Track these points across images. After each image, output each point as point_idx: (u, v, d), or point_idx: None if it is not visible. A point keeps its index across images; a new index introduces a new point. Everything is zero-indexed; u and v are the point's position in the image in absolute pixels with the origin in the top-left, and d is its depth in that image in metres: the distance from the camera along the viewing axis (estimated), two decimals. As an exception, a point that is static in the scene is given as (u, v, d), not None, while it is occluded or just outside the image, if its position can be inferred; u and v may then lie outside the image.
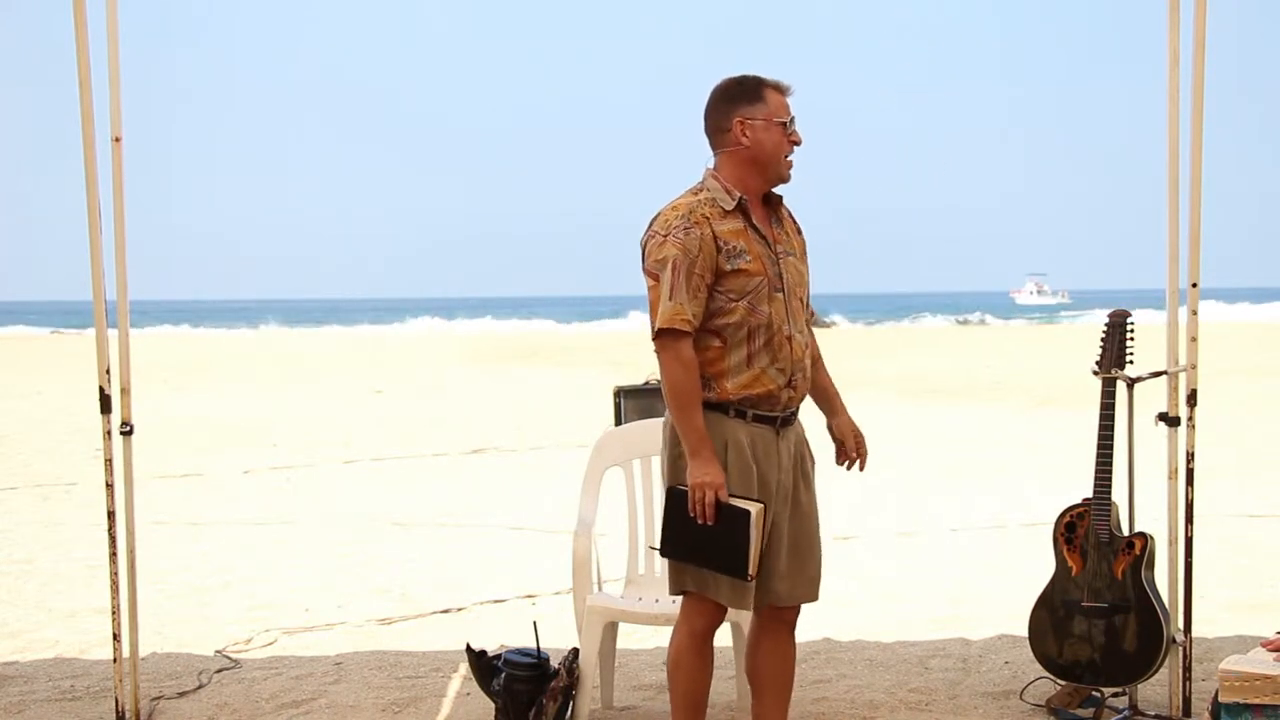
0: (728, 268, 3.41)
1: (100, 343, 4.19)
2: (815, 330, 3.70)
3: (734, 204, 3.46)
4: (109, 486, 4.26)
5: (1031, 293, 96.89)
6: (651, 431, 4.63)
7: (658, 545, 3.50)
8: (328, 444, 13.21)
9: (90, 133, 4.07)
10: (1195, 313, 4.19)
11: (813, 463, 3.62)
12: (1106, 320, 4.33)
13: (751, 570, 3.36)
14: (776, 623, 3.62)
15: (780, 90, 3.52)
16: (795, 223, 3.64)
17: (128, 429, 4.27)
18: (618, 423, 5.99)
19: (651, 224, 3.48)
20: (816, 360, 3.66)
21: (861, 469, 3.73)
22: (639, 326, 53.88)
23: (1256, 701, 3.57)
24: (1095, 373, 4.31)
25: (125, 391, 4.25)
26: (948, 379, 21.19)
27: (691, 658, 3.55)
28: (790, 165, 3.53)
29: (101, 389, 4.19)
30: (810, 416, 3.64)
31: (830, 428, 3.73)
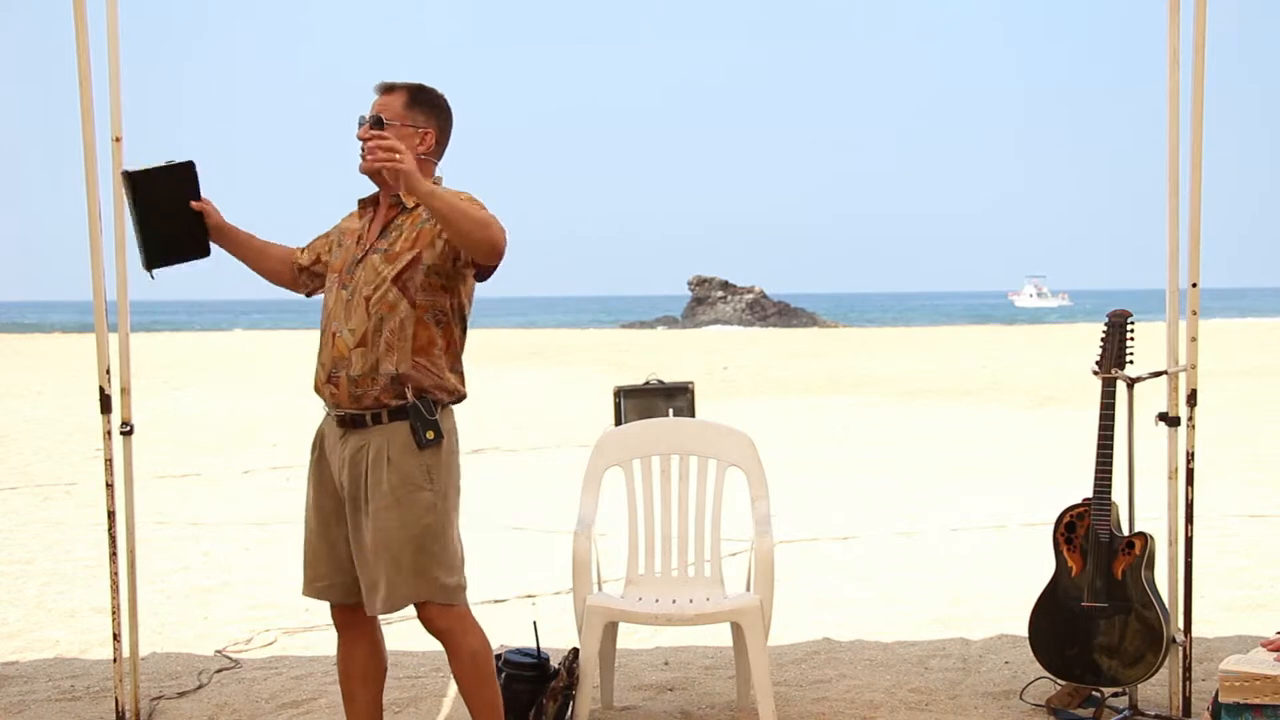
0: (326, 258, 3.63)
1: (100, 343, 4.19)
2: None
3: (368, 201, 3.58)
4: (109, 486, 4.26)
5: (1031, 295, 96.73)
6: (651, 431, 4.65)
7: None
8: (328, 444, 13.18)
9: (90, 133, 4.06)
10: (1195, 312, 4.18)
11: (391, 491, 3.39)
12: (1106, 320, 4.33)
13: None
14: None
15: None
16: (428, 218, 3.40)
17: (128, 429, 4.27)
18: (618, 423, 5.97)
19: None
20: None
21: None
22: (638, 328, 53.97)
23: (1256, 701, 3.57)
24: (1095, 373, 4.31)
25: (125, 391, 4.25)
26: (947, 379, 21.19)
27: None
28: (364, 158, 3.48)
29: (101, 389, 4.19)
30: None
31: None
